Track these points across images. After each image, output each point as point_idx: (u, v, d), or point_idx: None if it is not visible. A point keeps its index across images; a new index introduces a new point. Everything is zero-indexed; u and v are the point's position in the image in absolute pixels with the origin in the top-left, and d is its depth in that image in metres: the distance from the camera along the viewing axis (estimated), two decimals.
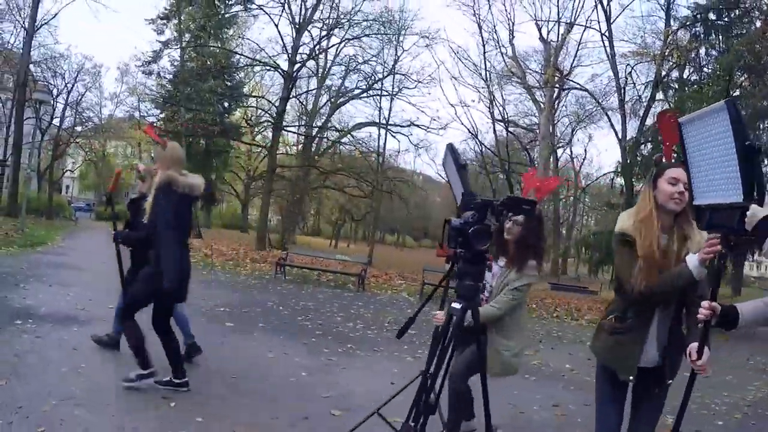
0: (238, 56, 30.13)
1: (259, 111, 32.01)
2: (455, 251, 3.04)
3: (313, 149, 34.11)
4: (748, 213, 2.21)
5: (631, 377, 2.93)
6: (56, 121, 40.83)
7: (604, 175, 36.99)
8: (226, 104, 34.43)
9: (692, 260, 2.69)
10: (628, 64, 24.58)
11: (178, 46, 30.95)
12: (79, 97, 41.39)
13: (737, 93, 18.01)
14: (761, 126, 18.45)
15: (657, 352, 2.93)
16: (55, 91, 36.37)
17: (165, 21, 34.87)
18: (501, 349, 3.99)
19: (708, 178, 2.41)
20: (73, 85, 39.28)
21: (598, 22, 25.86)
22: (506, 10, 39.52)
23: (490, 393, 3.54)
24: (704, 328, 2.48)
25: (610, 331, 3.02)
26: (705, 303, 2.46)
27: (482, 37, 29.16)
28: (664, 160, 3.02)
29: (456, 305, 3.07)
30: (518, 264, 3.94)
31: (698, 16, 20.00)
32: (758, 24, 17.94)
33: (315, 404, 5.00)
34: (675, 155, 2.92)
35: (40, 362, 5.10)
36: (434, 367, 3.17)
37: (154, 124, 28.51)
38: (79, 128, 43.60)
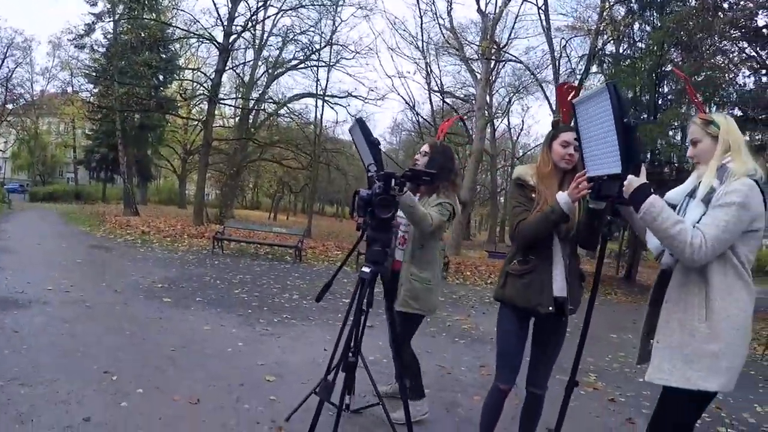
0: (172, 28, 29.51)
1: (195, 84, 31.32)
2: (364, 219, 3.33)
3: (250, 122, 33.77)
4: (625, 182, 2.56)
5: (550, 308, 3.19)
6: None
7: (538, 145, 37.65)
8: (160, 77, 33.55)
9: (562, 196, 3.03)
10: (563, 38, 25.06)
11: (111, 18, 29.97)
12: (9, 74, 40.20)
13: (669, 68, 18.51)
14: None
15: (563, 281, 3.23)
16: None
17: None
18: (413, 280, 4.04)
19: (595, 152, 2.75)
20: (2, 61, 38.07)
21: None
22: None
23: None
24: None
25: (518, 274, 3.26)
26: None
27: (420, 9, 29.29)
28: (561, 124, 3.38)
29: (366, 269, 3.37)
30: (431, 190, 4.05)
31: None
32: (693, 2, 18.17)
33: (250, 372, 5.22)
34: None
35: None
36: (352, 328, 3.49)
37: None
38: (9, 106, 42.28)
